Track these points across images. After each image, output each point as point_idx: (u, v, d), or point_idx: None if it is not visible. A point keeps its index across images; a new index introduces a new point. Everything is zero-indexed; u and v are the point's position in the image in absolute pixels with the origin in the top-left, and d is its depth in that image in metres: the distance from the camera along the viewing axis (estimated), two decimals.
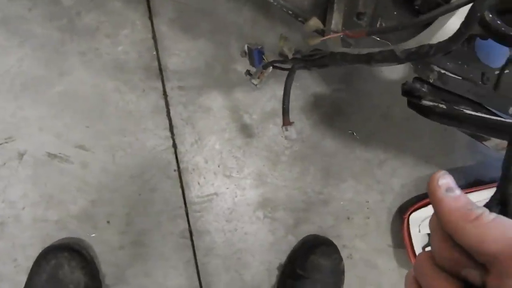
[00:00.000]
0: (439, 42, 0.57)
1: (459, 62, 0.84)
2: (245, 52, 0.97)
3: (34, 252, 0.88)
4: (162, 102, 0.95)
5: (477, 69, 0.85)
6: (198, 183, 0.97)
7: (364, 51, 0.66)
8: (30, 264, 0.86)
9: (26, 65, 0.89)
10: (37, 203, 0.89)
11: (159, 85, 0.94)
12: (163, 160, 0.95)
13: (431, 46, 0.58)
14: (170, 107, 0.95)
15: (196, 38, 0.97)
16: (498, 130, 0.73)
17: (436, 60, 0.84)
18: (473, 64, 0.85)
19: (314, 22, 0.71)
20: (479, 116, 0.75)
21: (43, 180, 0.89)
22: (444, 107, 0.75)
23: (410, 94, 0.81)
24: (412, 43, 0.62)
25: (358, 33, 0.62)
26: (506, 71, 0.86)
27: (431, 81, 0.83)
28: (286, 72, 0.75)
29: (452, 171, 1.12)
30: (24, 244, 0.89)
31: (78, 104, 0.91)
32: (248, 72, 0.95)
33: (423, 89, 0.82)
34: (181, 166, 0.96)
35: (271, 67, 0.92)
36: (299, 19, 0.73)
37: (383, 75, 1.06)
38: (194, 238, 0.96)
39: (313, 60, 0.72)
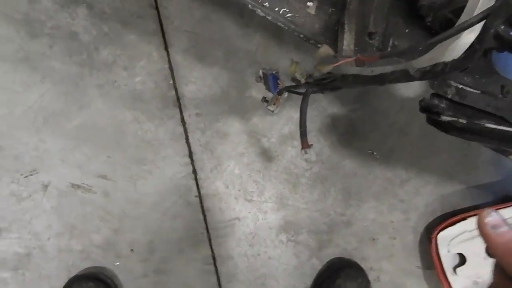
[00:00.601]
0: (454, 60, 0.56)
1: (477, 76, 0.83)
2: (260, 77, 0.98)
3: (59, 282, 0.89)
4: (181, 129, 0.96)
5: (496, 82, 0.83)
6: (220, 208, 0.97)
7: (378, 70, 0.66)
8: None
9: (47, 100, 0.92)
10: (61, 233, 0.90)
11: (177, 113, 0.96)
12: (183, 186, 0.95)
13: (445, 64, 0.57)
14: (189, 134, 0.96)
15: (211, 66, 0.98)
16: None
17: (453, 76, 0.83)
18: (492, 77, 0.84)
19: (325, 49, 0.71)
20: (501, 129, 0.73)
21: (66, 210, 0.91)
22: (464, 121, 0.73)
23: (428, 110, 0.80)
24: (424, 60, 0.62)
25: (372, 58, 0.62)
26: None
27: (449, 96, 0.82)
28: (301, 96, 0.76)
29: (478, 188, 1.10)
30: (50, 274, 0.90)
31: (98, 135, 0.93)
32: (264, 99, 0.96)
33: (441, 105, 0.81)
34: (202, 192, 0.96)
35: (286, 93, 0.93)
36: (311, 41, 0.74)
37: (399, 92, 1.05)
38: (217, 264, 0.95)
39: (325, 83, 0.72)
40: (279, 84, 0.94)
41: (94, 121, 0.93)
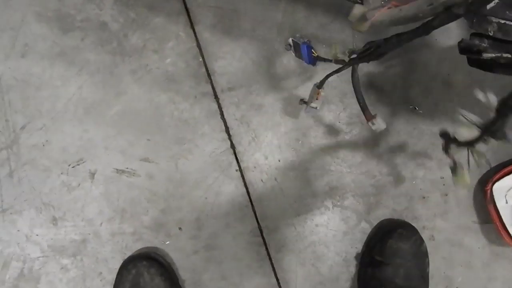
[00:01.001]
0: None
1: None
2: (290, 45, 0.96)
3: (115, 265, 0.92)
4: (215, 106, 0.96)
5: None
6: (261, 180, 0.96)
7: (409, 10, 0.62)
8: (113, 276, 0.91)
9: (85, 91, 0.95)
10: (112, 218, 0.94)
11: (209, 89, 0.96)
12: (223, 162, 0.96)
13: None
14: (223, 109, 0.96)
15: (239, 39, 0.98)
16: None
17: (494, 11, 0.77)
18: None
19: (358, 9, 0.68)
20: None
21: (115, 195, 0.94)
22: (510, 55, 0.68)
23: (468, 51, 0.75)
24: None
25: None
26: None
27: (491, 34, 0.77)
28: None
29: None
30: (106, 257, 0.93)
31: (137, 120, 0.95)
32: (302, 101, 0.93)
33: (483, 44, 0.76)
34: (242, 165, 0.96)
35: (322, 89, 0.88)
36: None
37: (438, 42, 1.00)
38: (264, 235, 0.95)
39: (370, 54, 0.69)
40: (313, 53, 0.90)
41: (131, 106, 0.95)
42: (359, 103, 0.79)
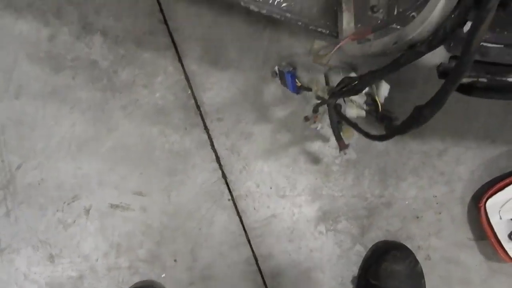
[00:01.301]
0: (451, 19, 0.54)
1: (498, 30, 0.78)
2: (276, 73, 0.98)
3: None
4: (205, 136, 0.97)
5: None
6: (254, 208, 0.97)
7: (377, 44, 0.63)
8: None
9: (78, 129, 0.97)
10: (108, 253, 0.95)
11: (199, 120, 0.98)
12: (216, 192, 0.97)
13: (444, 26, 0.55)
14: (213, 140, 0.98)
15: (226, 69, 0.99)
16: None
17: None
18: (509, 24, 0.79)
19: (317, 44, 0.71)
20: None
21: (110, 230, 0.95)
22: (485, 80, 0.69)
23: (447, 75, 0.76)
24: (416, 23, 0.59)
25: (364, 33, 0.60)
26: None
27: None
28: None
29: None
30: None
31: (129, 154, 0.96)
32: (306, 118, 0.95)
33: None
34: (234, 194, 0.97)
35: (318, 113, 0.91)
36: (311, 27, 0.73)
37: (423, 61, 1.01)
38: (259, 263, 0.96)
39: (348, 90, 0.70)
40: (297, 82, 0.92)
41: (123, 141, 0.97)
42: (334, 133, 0.81)
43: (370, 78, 0.62)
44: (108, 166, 0.96)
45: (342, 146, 0.81)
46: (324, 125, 0.98)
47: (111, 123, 0.97)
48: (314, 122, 0.91)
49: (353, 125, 0.77)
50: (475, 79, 0.70)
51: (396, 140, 1.00)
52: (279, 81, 0.97)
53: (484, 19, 0.44)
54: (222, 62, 1.00)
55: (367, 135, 0.70)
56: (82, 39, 0.99)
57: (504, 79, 0.67)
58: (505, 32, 0.77)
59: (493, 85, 0.69)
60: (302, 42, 0.99)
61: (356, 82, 0.65)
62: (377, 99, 0.77)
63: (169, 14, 0.99)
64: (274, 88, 0.99)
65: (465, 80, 0.71)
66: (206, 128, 0.98)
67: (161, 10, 0.99)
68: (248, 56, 0.99)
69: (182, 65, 0.99)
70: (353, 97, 0.81)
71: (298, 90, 0.91)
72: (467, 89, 0.73)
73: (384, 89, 0.85)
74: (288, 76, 0.92)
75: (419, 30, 0.52)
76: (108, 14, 0.98)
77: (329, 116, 0.82)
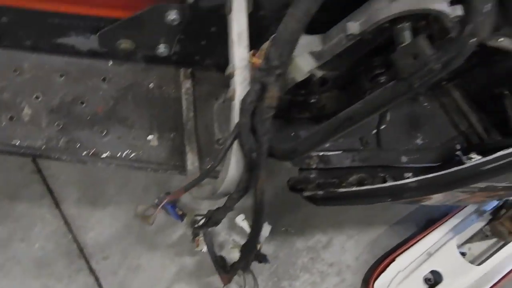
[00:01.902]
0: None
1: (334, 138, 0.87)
2: (157, 204, 1.01)
3: None
4: (91, 279, 0.96)
5: (354, 137, 0.89)
6: None
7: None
8: None
9: None
10: None
11: (83, 264, 0.96)
12: None
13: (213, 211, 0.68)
14: (101, 281, 0.96)
15: (106, 206, 1.01)
16: (383, 194, 0.73)
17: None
18: (349, 133, 0.89)
19: (140, 209, 0.90)
20: (363, 189, 0.76)
21: None
22: (321, 192, 0.77)
23: (294, 189, 0.83)
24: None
25: (178, 194, 0.67)
26: (382, 126, 0.89)
27: (314, 166, 0.86)
28: None
29: (400, 223, 1.11)
30: None
31: None
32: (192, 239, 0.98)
33: (311, 176, 0.85)
34: None
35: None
36: (160, 171, 0.78)
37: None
38: None
39: (208, 222, 0.74)
40: (178, 211, 0.97)
41: None
42: (215, 267, 0.84)
43: (223, 211, 0.67)
44: None
45: (226, 281, 0.82)
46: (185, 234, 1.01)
47: None
48: (197, 246, 0.93)
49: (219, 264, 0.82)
50: (314, 192, 0.77)
51: (281, 242, 1.05)
52: (162, 211, 1.00)
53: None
54: (102, 200, 1.01)
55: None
56: None
57: (335, 190, 0.75)
58: (341, 139, 0.87)
59: (331, 196, 0.77)
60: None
61: (213, 215, 0.70)
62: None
63: (43, 163, 1.00)
64: (158, 218, 1.01)
65: (306, 193, 0.79)
66: (91, 270, 0.97)
67: (34, 160, 1.01)
68: (127, 190, 1.02)
69: (60, 211, 0.99)
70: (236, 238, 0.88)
71: (181, 217, 0.96)
72: (314, 201, 0.80)
73: (265, 230, 0.92)
74: (169, 207, 0.96)
75: (223, 185, 0.59)
76: None
77: (207, 245, 0.85)
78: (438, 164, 0.88)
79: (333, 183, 0.82)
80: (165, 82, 0.78)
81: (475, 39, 0.42)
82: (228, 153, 0.57)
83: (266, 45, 0.56)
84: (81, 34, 0.69)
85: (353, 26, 0.54)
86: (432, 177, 0.67)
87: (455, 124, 0.91)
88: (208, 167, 0.59)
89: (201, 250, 0.94)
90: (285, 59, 0.53)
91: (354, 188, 0.75)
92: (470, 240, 1.15)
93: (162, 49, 0.70)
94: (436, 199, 1.01)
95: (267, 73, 0.53)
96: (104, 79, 0.74)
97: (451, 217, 1.13)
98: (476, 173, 0.63)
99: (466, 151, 0.82)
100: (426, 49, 0.46)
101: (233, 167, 0.56)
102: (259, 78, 0.54)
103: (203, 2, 0.62)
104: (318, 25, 0.59)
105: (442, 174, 0.65)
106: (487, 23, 0.43)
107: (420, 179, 0.67)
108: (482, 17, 0.42)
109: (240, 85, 0.56)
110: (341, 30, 0.58)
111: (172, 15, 0.63)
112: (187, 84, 0.77)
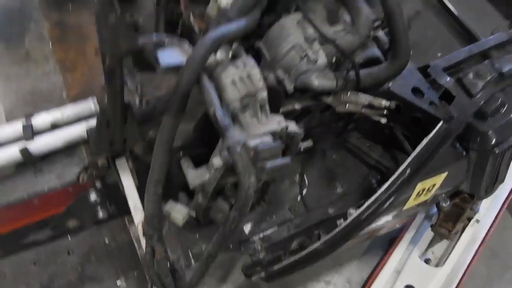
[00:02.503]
0: None
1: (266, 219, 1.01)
2: None
3: None
4: None
5: (284, 209, 1.02)
6: None
7: None
8: None
9: None
10: None
11: None
12: None
13: None
14: None
15: None
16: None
17: (252, 231, 1.01)
18: (279, 207, 1.03)
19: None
20: (297, 258, 0.90)
21: None
22: (263, 274, 0.92)
23: (247, 274, 0.98)
24: None
25: None
26: (304, 191, 1.04)
27: (259, 248, 1.01)
28: None
29: (367, 253, 1.22)
30: None
31: None
32: None
33: (261, 256, 0.99)
34: None
35: None
36: None
37: None
38: None
39: None
40: None
41: None
42: None
43: None
44: None
45: None
46: None
47: None
48: None
49: None
50: (261, 273, 0.93)
51: None
52: None
53: None
54: None
55: None
56: None
57: (271, 268, 0.90)
58: (273, 216, 1.02)
59: (274, 272, 0.92)
60: None
61: None
62: None
63: None
64: None
65: (255, 277, 0.94)
66: None
67: None
68: None
69: None
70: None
71: None
72: (266, 279, 0.95)
73: None
74: None
75: None
76: None
77: None
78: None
79: (280, 256, 0.96)
80: (117, 233, 0.96)
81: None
82: None
83: None
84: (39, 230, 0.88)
85: (217, 160, 0.71)
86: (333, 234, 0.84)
87: (364, 163, 1.07)
88: None
89: None
90: (156, 227, 0.72)
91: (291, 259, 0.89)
92: (430, 245, 1.28)
93: (101, 213, 0.90)
94: (389, 225, 1.15)
95: (150, 239, 0.74)
96: (68, 253, 0.93)
97: (406, 232, 1.27)
98: (359, 223, 0.81)
99: (381, 182, 0.98)
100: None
101: None
102: (149, 243, 0.74)
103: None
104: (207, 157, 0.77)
105: (336, 232, 0.83)
106: None
107: (325, 240, 0.84)
108: None
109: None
110: (211, 165, 0.76)
111: (93, 196, 0.83)
112: (133, 227, 0.95)
